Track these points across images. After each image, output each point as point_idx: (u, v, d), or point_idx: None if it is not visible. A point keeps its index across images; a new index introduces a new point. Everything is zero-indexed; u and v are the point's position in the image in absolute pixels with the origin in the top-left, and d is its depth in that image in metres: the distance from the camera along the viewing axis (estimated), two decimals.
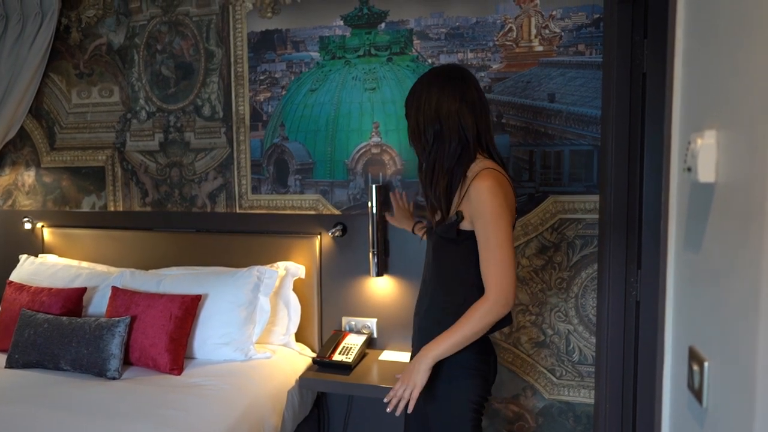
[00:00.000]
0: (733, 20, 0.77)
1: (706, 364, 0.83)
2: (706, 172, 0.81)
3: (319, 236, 2.40)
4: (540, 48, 2.11)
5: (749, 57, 0.71)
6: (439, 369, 1.46)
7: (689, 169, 0.85)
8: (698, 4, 0.92)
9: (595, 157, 2.07)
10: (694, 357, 0.87)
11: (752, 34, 0.70)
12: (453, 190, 1.45)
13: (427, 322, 1.53)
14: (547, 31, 2.10)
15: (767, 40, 0.66)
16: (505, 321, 1.46)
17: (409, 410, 1.44)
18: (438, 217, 1.49)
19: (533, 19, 2.11)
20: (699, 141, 0.82)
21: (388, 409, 1.45)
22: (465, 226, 1.42)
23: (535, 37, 2.11)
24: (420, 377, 1.42)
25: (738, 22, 0.75)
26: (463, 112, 1.44)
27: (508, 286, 1.36)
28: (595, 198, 2.08)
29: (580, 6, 2.05)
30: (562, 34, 2.08)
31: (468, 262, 1.43)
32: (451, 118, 1.43)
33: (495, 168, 1.44)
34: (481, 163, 1.45)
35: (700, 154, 0.81)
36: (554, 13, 2.08)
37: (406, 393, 1.43)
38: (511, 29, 2.14)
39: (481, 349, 1.49)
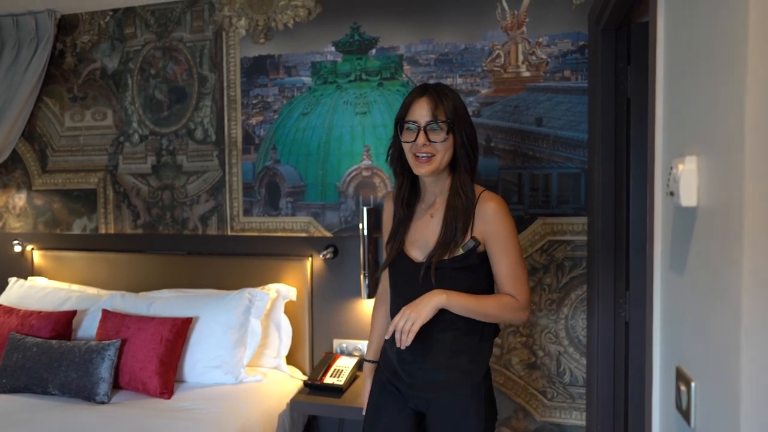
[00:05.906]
0: (709, 50, 0.80)
1: (693, 384, 0.84)
2: (687, 197, 0.83)
3: (310, 258, 2.40)
4: (527, 74, 2.16)
5: (725, 85, 0.74)
6: (477, 407, 1.46)
7: (672, 194, 0.87)
8: (677, 35, 0.96)
9: (582, 180, 2.11)
10: (681, 377, 0.89)
11: (727, 63, 0.73)
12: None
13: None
14: (534, 58, 2.15)
15: (741, 69, 0.69)
16: (498, 329, 1.54)
17: (408, 343, 1.36)
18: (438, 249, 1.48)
19: (520, 46, 2.16)
20: (680, 166, 0.84)
21: (398, 345, 1.37)
22: (480, 249, 1.46)
23: (523, 63, 2.17)
24: (426, 312, 1.36)
25: (714, 52, 0.78)
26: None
27: (529, 296, 1.47)
28: (584, 220, 2.11)
29: (565, 33, 2.11)
30: (549, 60, 2.13)
31: (485, 284, 1.48)
32: (475, 145, 1.50)
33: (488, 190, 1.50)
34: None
35: (681, 179, 0.83)
36: (540, 40, 2.14)
37: (407, 325, 1.36)
38: (498, 55, 2.19)
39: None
